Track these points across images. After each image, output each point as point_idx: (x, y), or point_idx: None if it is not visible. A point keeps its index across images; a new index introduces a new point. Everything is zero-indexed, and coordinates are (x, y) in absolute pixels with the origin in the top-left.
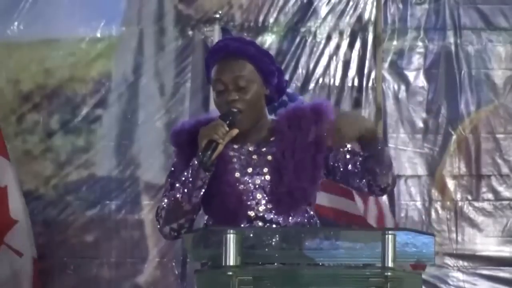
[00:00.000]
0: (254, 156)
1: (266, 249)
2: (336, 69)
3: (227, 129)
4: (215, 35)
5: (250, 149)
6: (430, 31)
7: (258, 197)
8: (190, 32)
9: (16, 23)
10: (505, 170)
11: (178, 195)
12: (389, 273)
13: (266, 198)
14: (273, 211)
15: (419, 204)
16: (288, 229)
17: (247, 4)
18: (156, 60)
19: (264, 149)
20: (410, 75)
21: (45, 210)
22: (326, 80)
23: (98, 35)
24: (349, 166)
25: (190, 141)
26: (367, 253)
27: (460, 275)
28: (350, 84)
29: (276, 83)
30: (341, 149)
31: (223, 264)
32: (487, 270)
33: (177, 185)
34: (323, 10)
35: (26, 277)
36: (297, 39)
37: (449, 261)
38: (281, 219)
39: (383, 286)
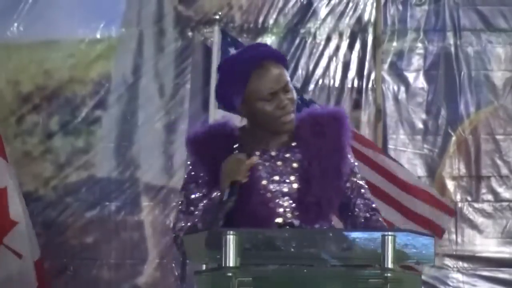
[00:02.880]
0: (279, 163)
1: (265, 250)
2: (336, 70)
3: (247, 164)
4: (215, 36)
5: (272, 154)
6: (429, 32)
7: (285, 205)
8: (190, 34)
9: (15, 24)
10: (504, 171)
11: (199, 225)
12: (388, 274)
13: (293, 205)
14: (300, 218)
15: None
16: (288, 231)
17: (247, 5)
18: (155, 61)
19: (288, 155)
20: (410, 76)
21: (44, 211)
22: (326, 81)
23: (98, 36)
24: (360, 209)
25: (208, 148)
26: (367, 254)
27: (459, 276)
28: (349, 85)
29: None
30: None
31: (223, 265)
32: (487, 271)
33: (198, 214)
34: (323, 11)
35: (26, 278)
36: (297, 40)
37: (449, 262)
38: (308, 226)
39: (383, 287)
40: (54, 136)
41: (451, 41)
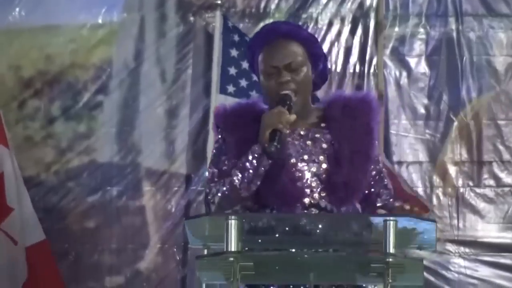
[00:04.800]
0: (309, 142)
1: (268, 235)
2: (338, 56)
3: (289, 116)
4: (216, 21)
5: (301, 133)
6: (431, 18)
7: (313, 185)
8: (192, 19)
9: (17, 10)
10: (506, 156)
11: (236, 182)
12: (390, 259)
13: (321, 186)
14: (327, 199)
15: (420, 190)
16: (290, 216)
17: None
18: (157, 46)
19: (317, 135)
20: (412, 61)
21: (46, 196)
22: (328, 66)
23: (99, 21)
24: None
25: (239, 123)
26: (369, 238)
27: (461, 261)
28: (351, 71)
29: (321, 69)
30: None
31: (225, 250)
32: (488, 256)
33: (236, 171)
34: None
35: (19, 265)
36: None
37: (451, 247)
38: (334, 207)
39: (385, 272)
40: (55, 121)
41: (453, 26)
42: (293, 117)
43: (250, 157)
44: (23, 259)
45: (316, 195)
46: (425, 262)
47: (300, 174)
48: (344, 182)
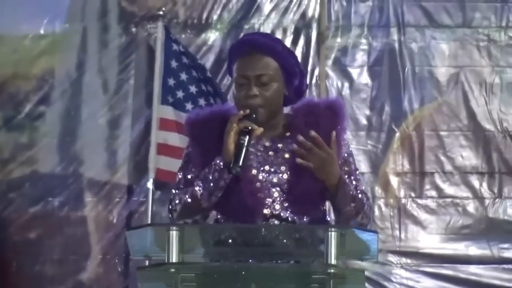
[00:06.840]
0: (271, 153)
1: (211, 246)
2: None
3: (251, 125)
4: (158, 32)
5: (266, 144)
6: (373, 29)
7: (275, 195)
8: (134, 29)
9: None
10: (448, 167)
11: (197, 193)
12: (332, 270)
13: (283, 196)
14: (289, 210)
15: None
16: (235, 226)
17: (191, 1)
18: (99, 57)
19: (280, 145)
20: (354, 72)
21: None
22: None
23: (42, 32)
24: None
25: (206, 132)
26: (311, 250)
27: (403, 272)
28: None
29: (297, 85)
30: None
31: (166, 261)
32: (430, 267)
33: (198, 182)
34: (267, 7)
35: None
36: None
37: (392, 258)
38: (296, 217)
39: (326, 283)
40: None
41: (395, 37)
42: (259, 130)
43: (212, 170)
44: None
45: (277, 206)
46: (366, 273)
47: (260, 185)
48: (305, 192)
